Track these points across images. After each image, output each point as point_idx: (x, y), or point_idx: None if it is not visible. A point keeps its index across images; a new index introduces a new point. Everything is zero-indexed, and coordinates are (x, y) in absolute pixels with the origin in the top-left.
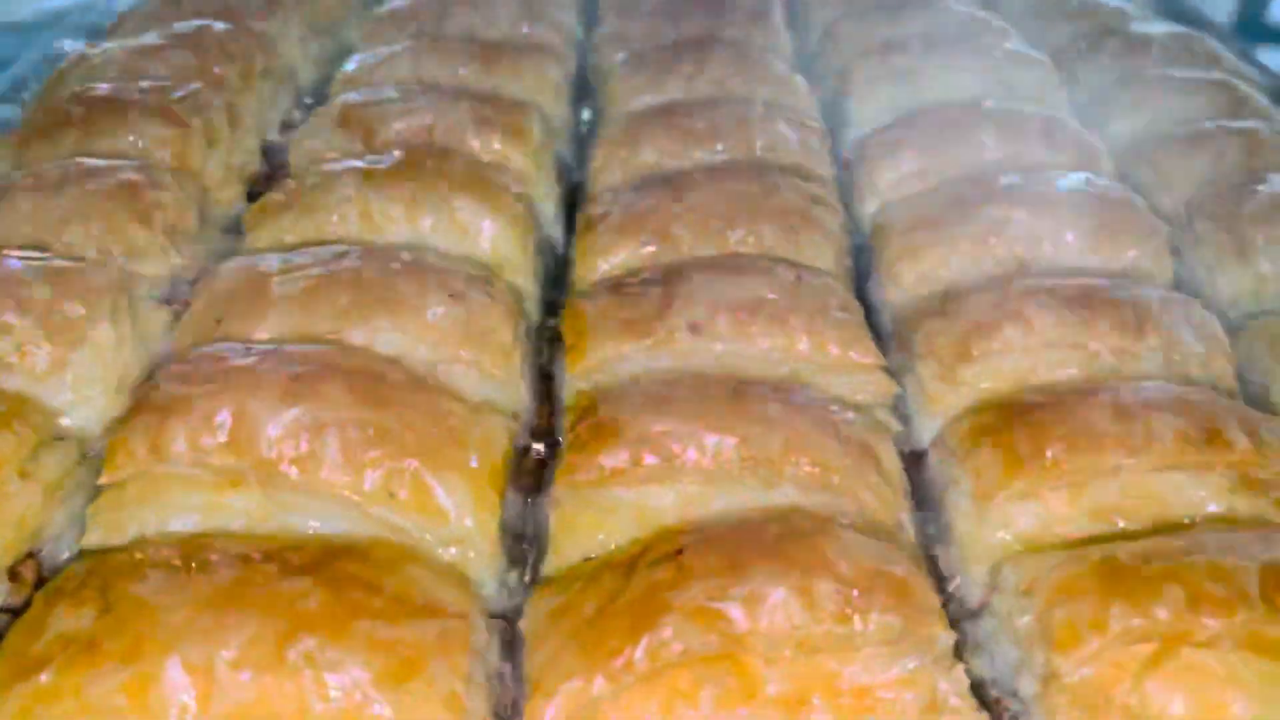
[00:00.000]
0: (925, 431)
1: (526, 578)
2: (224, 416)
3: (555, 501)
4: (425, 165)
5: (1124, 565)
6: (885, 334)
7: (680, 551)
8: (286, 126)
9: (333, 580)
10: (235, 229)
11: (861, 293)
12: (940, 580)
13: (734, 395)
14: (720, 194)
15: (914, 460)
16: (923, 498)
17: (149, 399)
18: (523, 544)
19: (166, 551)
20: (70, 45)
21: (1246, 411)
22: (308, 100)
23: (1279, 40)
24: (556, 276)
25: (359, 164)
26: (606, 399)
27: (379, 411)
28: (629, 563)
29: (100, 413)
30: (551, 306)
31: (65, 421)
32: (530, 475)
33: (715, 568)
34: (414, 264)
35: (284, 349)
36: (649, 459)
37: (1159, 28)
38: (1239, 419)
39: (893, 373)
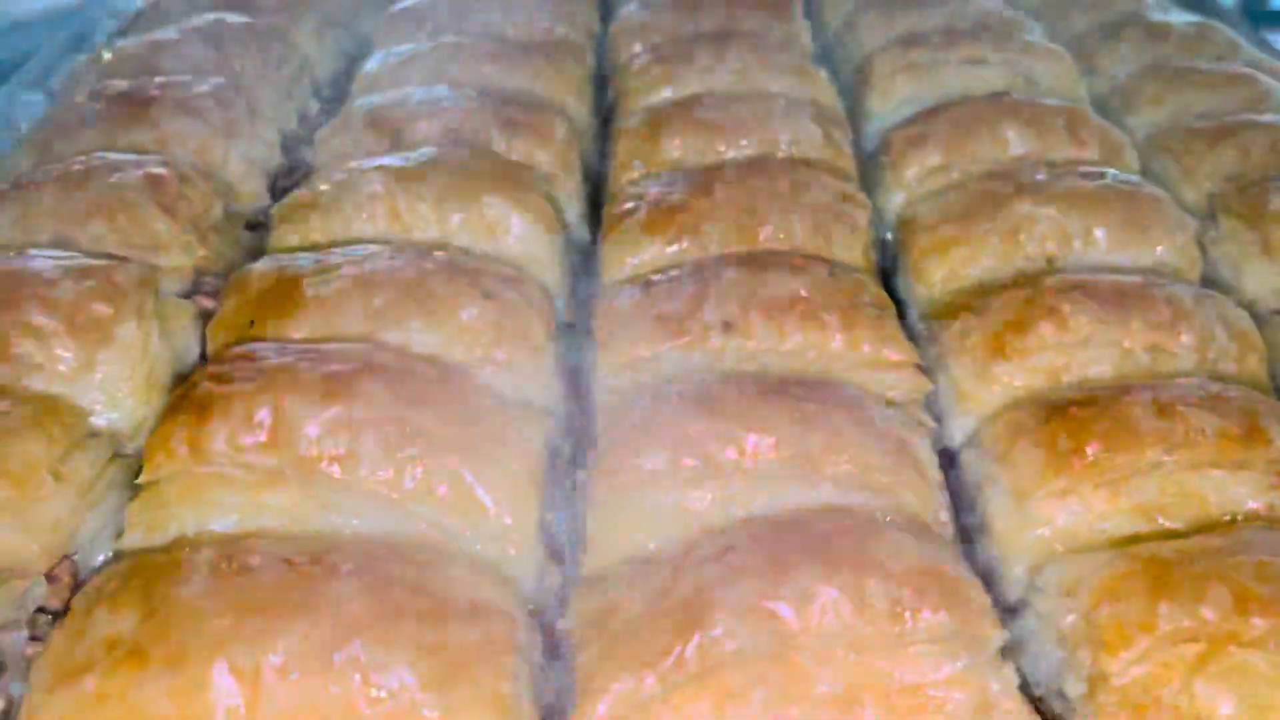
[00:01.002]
0: (958, 429)
1: (564, 575)
2: (263, 415)
3: (593, 503)
4: (454, 163)
5: (1170, 565)
6: (913, 330)
7: (729, 549)
8: (304, 119)
9: (377, 582)
10: (259, 224)
11: (888, 288)
12: (980, 578)
13: (771, 394)
14: (749, 190)
15: (947, 458)
16: (957, 495)
17: (188, 397)
18: (559, 541)
19: (207, 553)
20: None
21: None
22: (325, 93)
23: None
24: (579, 271)
25: (387, 161)
26: (642, 399)
27: (417, 409)
28: (675, 560)
29: (129, 411)
30: (578, 303)
31: (95, 420)
32: (564, 473)
33: (765, 566)
34: (446, 264)
35: (322, 348)
36: (688, 460)
37: (1177, 17)
38: (1277, 415)
39: (926, 370)
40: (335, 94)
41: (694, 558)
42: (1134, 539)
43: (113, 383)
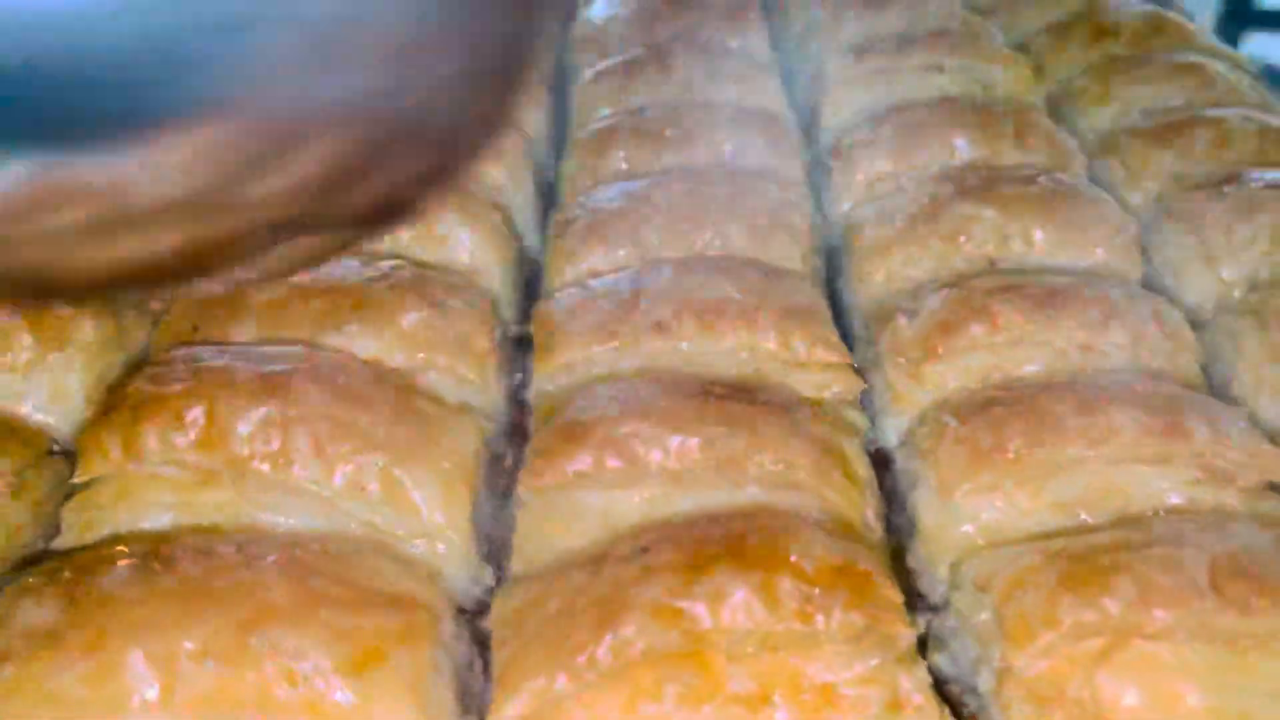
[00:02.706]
0: (891, 430)
1: (498, 578)
2: (196, 414)
3: (520, 505)
4: None
5: (1077, 558)
6: (855, 334)
7: (645, 549)
8: None
9: (298, 572)
10: None
11: (832, 293)
12: (908, 576)
13: (699, 396)
14: (689, 198)
15: (882, 459)
16: (891, 497)
17: (122, 397)
18: (495, 546)
19: (135, 547)
20: None
21: (1208, 402)
22: None
23: (1268, 26)
24: (531, 282)
25: None
26: (571, 403)
27: (349, 408)
28: (595, 560)
29: (78, 411)
30: (526, 313)
31: (26, 411)
32: (504, 480)
33: (679, 565)
34: (391, 271)
35: (257, 349)
36: (613, 461)
37: (1129, 12)
38: (1200, 410)
39: (860, 370)
40: None
41: (612, 558)
42: (1056, 535)
43: (62, 381)
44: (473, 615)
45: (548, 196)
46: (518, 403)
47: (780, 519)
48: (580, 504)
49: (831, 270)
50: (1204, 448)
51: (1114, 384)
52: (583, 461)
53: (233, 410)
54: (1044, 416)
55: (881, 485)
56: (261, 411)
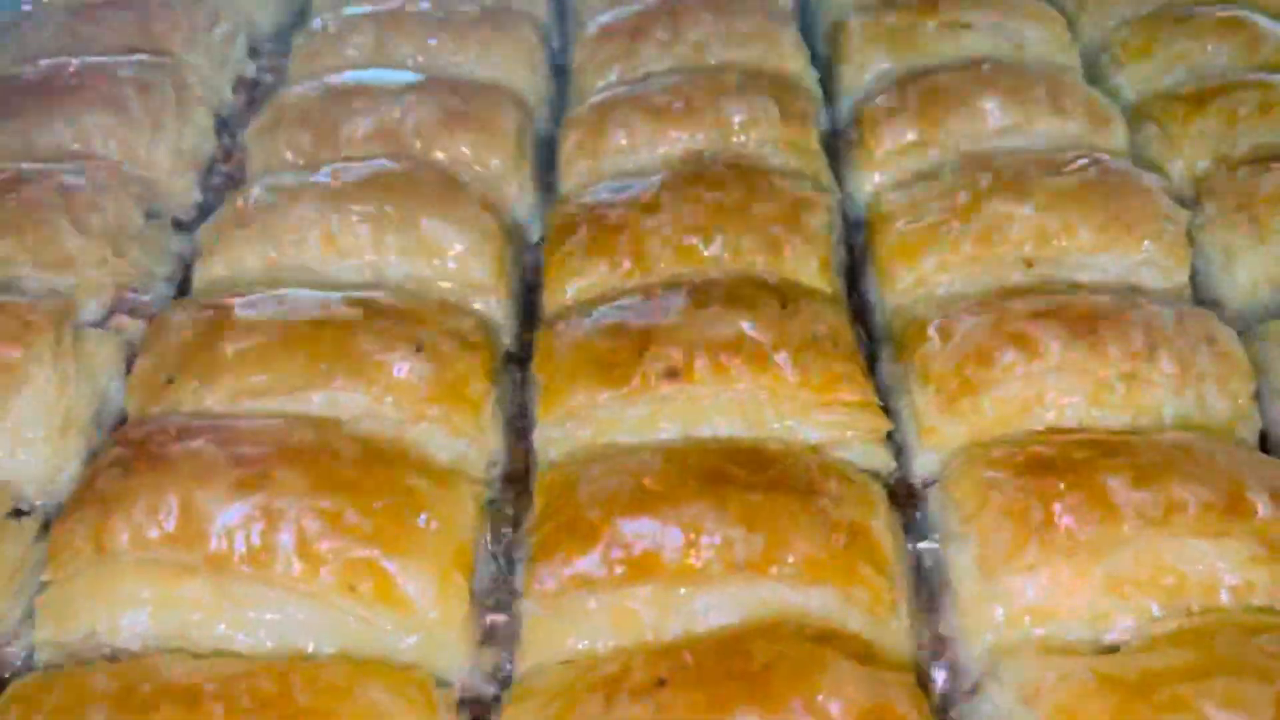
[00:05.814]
0: (921, 466)
1: (499, 662)
2: (170, 509)
3: (524, 612)
4: (391, 182)
5: (1133, 689)
6: (879, 334)
7: (662, 682)
8: (241, 84)
9: None
10: (190, 224)
11: (854, 283)
12: (938, 641)
13: (713, 482)
14: (696, 204)
15: (907, 490)
16: (919, 533)
17: (90, 489)
18: (494, 614)
19: (107, 684)
20: None
21: (1271, 469)
22: (268, 48)
23: None
24: (531, 283)
25: (321, 180)
26: (576, 488)
27: (335, 497)
28: (609, 685)
29: (45, 456)
30: (527, 319)
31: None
32: (505, 530)
33: (698, 706)
34: (377, 313)
35: (233, 425)
36: (623, 562)
37: None
38: (1263, 479)
39: (884, 404)
40: (278, 50)
41: (627, 686)
42: (1108, 648)
43: (26, 427)
44: (472, 704)
45: (549, 154)
46: (517, 434)
47: (806, 646)
48: (588, 605)
49: (851, 251)
50: (1266, 523)
51: (1172, 448)
52: (589, 563)
53: (209, 504)
54: (1097, 490)
55: (907, 519)
56: (241, 505)
